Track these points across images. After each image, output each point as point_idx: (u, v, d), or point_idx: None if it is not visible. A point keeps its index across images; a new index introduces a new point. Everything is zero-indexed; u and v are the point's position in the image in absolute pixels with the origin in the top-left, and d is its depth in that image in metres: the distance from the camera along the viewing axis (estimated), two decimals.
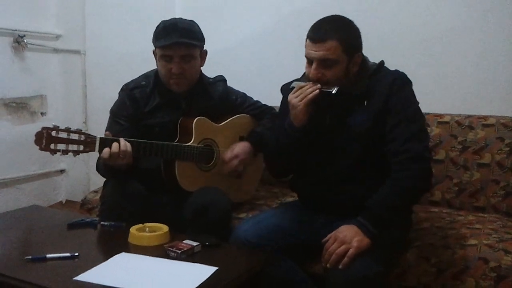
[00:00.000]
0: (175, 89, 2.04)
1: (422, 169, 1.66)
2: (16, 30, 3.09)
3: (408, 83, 1.76)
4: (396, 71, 1.78)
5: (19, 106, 3.20)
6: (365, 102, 1.74)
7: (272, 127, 2.17)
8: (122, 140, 1.81)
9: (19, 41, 3.11)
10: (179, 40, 1.94)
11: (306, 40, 1.73)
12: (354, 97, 1.74)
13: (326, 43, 1.66)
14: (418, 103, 1.78)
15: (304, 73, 1.81)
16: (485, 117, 2.24)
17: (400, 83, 1.73)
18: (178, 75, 1.99)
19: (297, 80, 1.86)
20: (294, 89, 1.74)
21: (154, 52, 2.05)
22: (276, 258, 1.70)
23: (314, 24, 1.73)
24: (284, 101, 1.88)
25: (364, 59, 1.80)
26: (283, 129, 1.79)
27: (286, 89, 1.90)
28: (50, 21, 3.36)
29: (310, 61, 1.72)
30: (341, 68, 1.70)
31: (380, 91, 1.72)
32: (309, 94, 1.69)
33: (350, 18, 1.78)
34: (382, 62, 1.81)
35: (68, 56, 3.41)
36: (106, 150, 1.78)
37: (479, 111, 2.30)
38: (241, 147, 2.11)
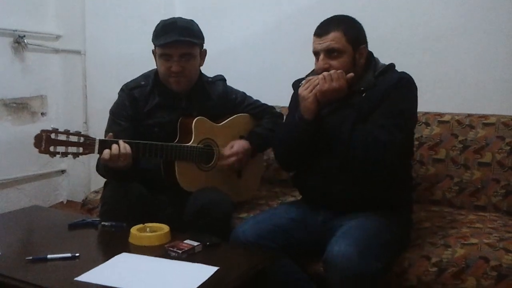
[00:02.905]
0: (175, 88, 2.04)
1: (377, 154, 1.69)
2: (16, 31, 3.10)
3: (412, 85, 1.80)
4: (405, 73, 1.82)
5: (19, 107, 3.21)
6: (364, 94, 1.78)
7: (274, 124, 2.21)
8: (121, 142, 1.81)
9: (19, 42, 3.11)
10: (178, 38, 1.94)
11: (312, 38, 1.81)
12: (356, 91, 1.78)
13: (330, 34, 1.76)
14: (412, 104, 1.80)
15: (313, 70, 1.86)
16: (485, 116, 2.24)
17: (404, 83, 1.78)
18: (177, 74, 1.99)
19: (308, 75, 1.90)
20: (303, 82, 1.80)
21: (153, 52, 2.05)
22: (276, 257, 1.70)
23: (319, 24, 1.82)
24: (295, 95, 1.95)
25: (373, 57, 1.87)
26: (293, 123, 1.82)
27: (297, 84, 1.94)
28: (50, 22, 3.37)
29: (317, 55, 1.80)
30: (347, 58, 1.77)
31: (383, 87, 1.77)
32: (318, 84, 1.74)
33: (351, 16, 1.82)
34: (392, 64, 1.86)
35: (68, 56, 3.41)
36: (106, 151, 1.78)
37: (480, 110, 2.30)
38: (240, 145, 2.11)
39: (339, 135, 1.74)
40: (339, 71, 1.73)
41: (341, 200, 1.80)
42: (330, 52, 1.76)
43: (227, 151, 2.09)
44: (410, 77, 1.81)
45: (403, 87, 1.77)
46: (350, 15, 1.85)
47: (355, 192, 1.77)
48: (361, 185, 1.76)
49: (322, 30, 1.79)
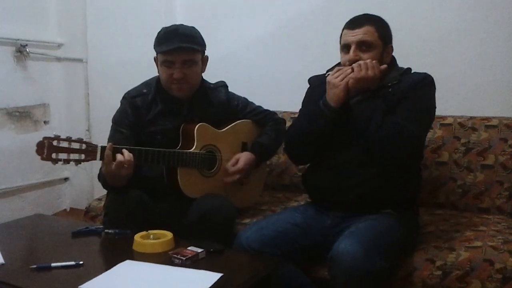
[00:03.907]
0: (177, 94, 2.04)
1: (406, 144, 1.71)
2: (18, 39, 3.11)
3: (434, 86, 1.84)
4: (427, 73, 1.85)
5: (22, 115, 3.21)
6: (390, 89, 1.81)
7: (279, 132, 2.20)
8: (125, 151, 1.81)
9: (21, 50, 3.12)
10: (180, 45, 1.94)
11: (342, 32, 1.85)
12: (382, 85, 1.81)
13: (363, 27, 1.80)
14: (434, 106, 1.85)
15: (336, 65, 1.88)
16: (488, 118, 2.23)
17: (427, 82, 1.82)
18: (179, 80, 1.99)
19: (326, 72, 1.91)
20: (334, 70, 1.81)
21: (155, 59, 2.06)
22: (280, 264, 1.70)
23: (350, 19, 1.86)
24: (310, 91, 2.00)
25: (395, 58, 1.91)
26: (316, 111, 1.81)
27: (315, 79, 1.97)
28: (52, 30, 3.38)
29: (347, 48, 1.81)
30: (376, 53, 1.80)
31: (408, 83, 1.81)
32: (350, 73, 1.75)
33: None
34: (410, 68, 1.90)
35: (70, 65, 3.42)
36: (110, 166, 1.78)
37: (482, 112, 2.30)
38: (245, 160, 2.10)
39: (367, 125, 1.75)
40: (374, 61, 1.76)
41: (353, 198, 1.79)
42: (361, 45, 1.78)
43: (231, 167, 2.09)
44: (432, 77, 1.84)
45: (428, 85, 1.82)
46: (350, 17, 1.87)
47: (369, 189, 1.77)
48: (376, 181, 1.76)
49: (356, 23, 1.81)
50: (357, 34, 1.79)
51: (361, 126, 1.77)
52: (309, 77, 2.06)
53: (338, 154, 1.83)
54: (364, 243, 1.56)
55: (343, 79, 1.76)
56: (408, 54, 2.46)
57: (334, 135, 1.82)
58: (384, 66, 1.79)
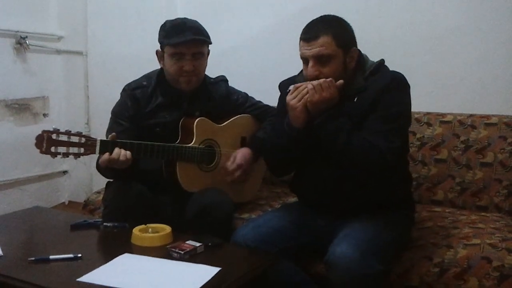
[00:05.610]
0: (184, 87, 2.03)
1: (376, 162, 1.65)
2: (18, 32, 3.10)
3: (405, 85, 1.74)
4: (395, 72, 1.75)
5: (21, 108, 3.21)
6: (355, 99, 1.72)
7: (272, 125, 2.16)
8: (123, 150, 1.80)
9: (21, 43, 3.12)
10: (194, 37, 1.95)
11: (299, 42, 1.74)
12: (347, 96, 1.72)
13: (319, 39, 1.67)
14: (407, 106, 1.75)
15: (301, 72, 1.81)
16: (487, 116, 2.23)
17: (396, 85, 1.71)
18: (189, 73, 1.99)
19: (295, 76, 1.87)
20: (291, 91, 1.71)
21: (158, 52, 2.05)
22: (277, 261, 1.69)
23: (305, 26, 1.75)
24: (282, 98, 1.88)
25: (362, 56, 1.79)
26: (282, 130, 1.77)
27: (284, 85, 1.89)
28: (52, 23, 3.37)
29: (305, 61, 1.72)
30: (337, 63, 1.69)
31: (374, 90, 1.70)
32: (307, 94, 1.67)
33: (352, 17, 1.80)
34: (382, 61, 1.79)
35: (70, 57, 3.42)
36: (105, 156, 1.78)
37: (482, 110, 2.30)
38: (242, 156, 2.09)
39: (335, 145, 1.68)
40: (328, 79, 1.65)
41: (343, 209, 1.77)
42: (319, 59, 1.67)
43: (230, 165, 2.07)
44: (402, 76, 1.74)
45: (395, 89, 1.70)
46: (351, 16, 1.80)
47: (356, 199, 1.75)
48: (363, 192, 1.74)
49: (310, 34, 1.69)
50: (313, 48, 1.67)
51: (330, 146, 1.69)
52: None
53: (322, 169, 1.78)
54: (360, 246, 1.55)
55: (300, 100, 1.67)
56: (408, 52, 2.47)
57: (312, 150, 1.76)
58: (341, 82, 1.67)
